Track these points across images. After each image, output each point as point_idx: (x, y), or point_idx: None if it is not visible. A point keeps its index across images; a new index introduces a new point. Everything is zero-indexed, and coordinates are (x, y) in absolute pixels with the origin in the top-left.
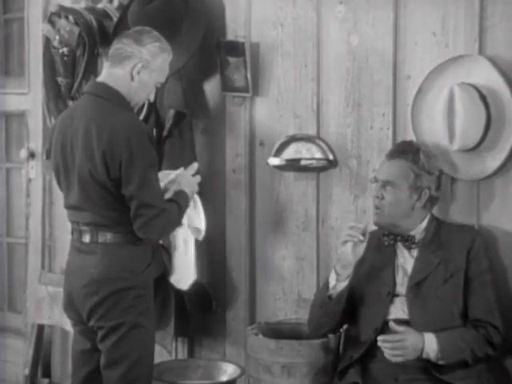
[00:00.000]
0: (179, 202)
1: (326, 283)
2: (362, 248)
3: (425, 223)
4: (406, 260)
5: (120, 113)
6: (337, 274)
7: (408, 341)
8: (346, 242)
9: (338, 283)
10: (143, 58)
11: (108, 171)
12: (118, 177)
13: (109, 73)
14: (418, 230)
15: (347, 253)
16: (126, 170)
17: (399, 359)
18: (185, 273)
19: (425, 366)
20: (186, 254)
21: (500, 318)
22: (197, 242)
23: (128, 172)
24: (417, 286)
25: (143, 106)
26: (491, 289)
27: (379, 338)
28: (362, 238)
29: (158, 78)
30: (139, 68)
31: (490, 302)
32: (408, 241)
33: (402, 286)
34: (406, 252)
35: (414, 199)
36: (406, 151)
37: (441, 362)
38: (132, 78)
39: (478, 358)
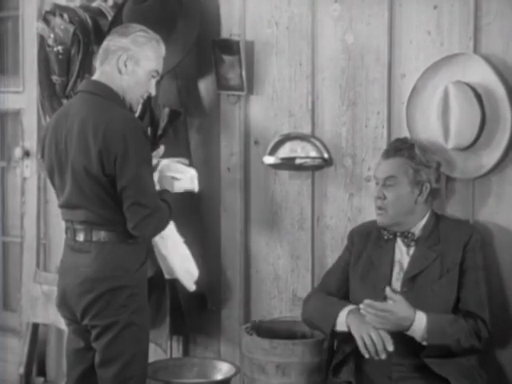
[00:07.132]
0: (168, 201)
1: (334, 315)
2: None
3: (425, 220)
4: (404, 256)
5: (115, 109)
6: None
7: (397, 314)
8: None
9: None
10: (126, 48)
11: (103, 167)
12: (112, 173)
13: (100, 71)
14: (418, 227)
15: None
16: (120, 165)
17: (381, 327)
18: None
19: (419, 363)
20: (180, 253)
21: (489, 313)
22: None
23: (122, 167)
24: (412, 280)
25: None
26: (484, 285)
27: (366, 301)
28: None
29: (148, 66)
30: (124, 59)
31: (482, 297)
32: (407, 237)
33: (397, 281)
34: (404, 249)
35: (416, 194)
36: (400, 148)
37: (424, 343)
38: (119, 71)
39: (464, 349)
